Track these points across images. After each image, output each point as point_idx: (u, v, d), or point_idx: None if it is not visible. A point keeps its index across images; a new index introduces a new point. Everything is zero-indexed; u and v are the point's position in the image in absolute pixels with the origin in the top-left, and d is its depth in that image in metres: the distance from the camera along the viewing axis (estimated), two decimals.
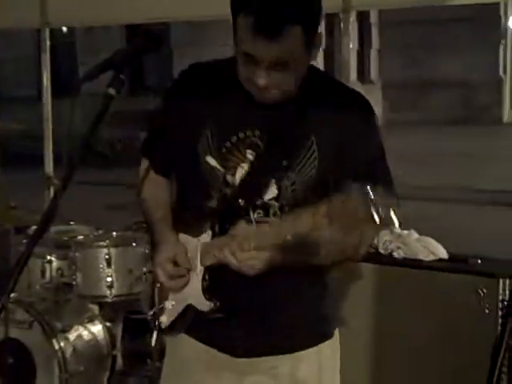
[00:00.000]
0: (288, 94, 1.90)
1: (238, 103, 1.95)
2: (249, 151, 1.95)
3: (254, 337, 2.02)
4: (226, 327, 2.01)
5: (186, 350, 2.11)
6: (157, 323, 2.09)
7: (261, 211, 1.95)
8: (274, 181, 1.93)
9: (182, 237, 2.05)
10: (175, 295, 2.04)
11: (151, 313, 2.11)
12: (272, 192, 1.94)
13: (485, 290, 3.15)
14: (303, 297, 2.04)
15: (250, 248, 1.83)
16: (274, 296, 2.00)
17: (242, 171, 1.95)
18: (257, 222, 1.93)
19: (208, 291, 1.95)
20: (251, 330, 2.02)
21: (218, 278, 1.94)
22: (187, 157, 2.02)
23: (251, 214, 1.94)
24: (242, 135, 1.95)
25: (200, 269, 1.97)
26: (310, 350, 2.06)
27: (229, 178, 1.96)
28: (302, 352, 2.05)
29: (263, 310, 2.01)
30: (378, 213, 1.52)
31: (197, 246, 1.98)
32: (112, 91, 1.72)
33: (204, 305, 1.96)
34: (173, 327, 2.07)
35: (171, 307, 2.06)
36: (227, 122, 1.97)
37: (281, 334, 2.03)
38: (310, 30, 1.80)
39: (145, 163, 2.16)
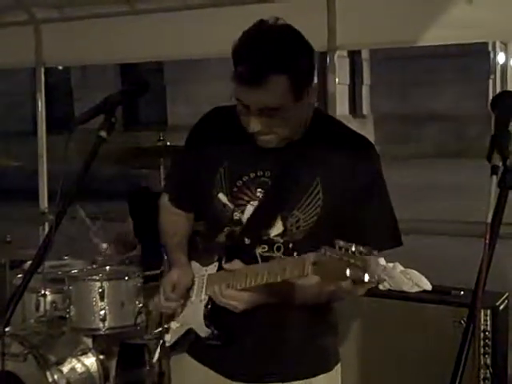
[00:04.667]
0: (287, 138, 1.98)
1: (251, 146, 2.03)
2: (259, 189, 2.04)
3: (249, 363, 2.11)
4: (224, 353, 2.11)
5: (192, 376, 2.22)
6: (161, 341, 2.25)
7: (266, 246, 2.03)
8: (280, 218, 2.01)
9: (194, 265, 2.18)
10: (180, 318, 2.18)
11: (158, 330, 2.28)
12: (278, 229, 2.02)
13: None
14: (299, 328, 2.10)
15: (236, 288, 1.94)
16: (269, 326, 2.08)
17: (251, 209, 2.04)
18: (261, 257, 2.03)
19: (208, 319, 2.07)
20: (246, 357, 2.10)
21: (220, 307, 2.02)
22: (203, 193, 2.14)
23: (256, 250, 2.04)
24: (252, 175, 2.05)
25: (204, 297, 2.10)
26: (302, 381, 2.10)
27: (236, 214, 2.05)
28: (295, 382, 2.09)
29: (259, 339, 2.10)
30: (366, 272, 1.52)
31: (204, 275, 2.12)
32: (103, 133, 1.84)
33: (203, 331, 2.08)
34: (175, 347, 2.22)
35: (175, 328, 2.20)
36: (240, 163, 2.07)
37: (275, 363, 2.10)
38: (298, 79, 1.88)
39: (165, 196, 2.31)
